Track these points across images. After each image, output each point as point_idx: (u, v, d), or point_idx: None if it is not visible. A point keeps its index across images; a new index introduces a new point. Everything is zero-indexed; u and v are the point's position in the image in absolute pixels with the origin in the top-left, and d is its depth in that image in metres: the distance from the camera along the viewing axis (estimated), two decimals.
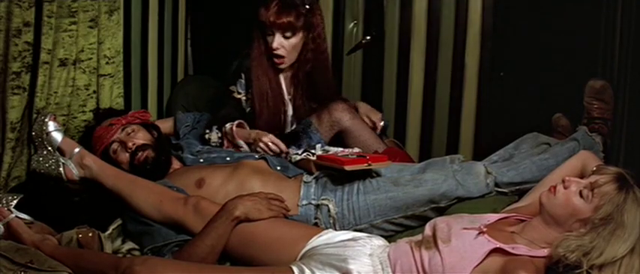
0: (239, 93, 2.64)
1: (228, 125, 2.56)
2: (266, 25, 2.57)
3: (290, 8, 2.56)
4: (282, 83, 2.72)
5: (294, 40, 2.60)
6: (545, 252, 1.80)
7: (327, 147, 2.54)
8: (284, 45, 2.60)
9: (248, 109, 2.65)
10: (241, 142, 2.54)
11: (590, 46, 2.84)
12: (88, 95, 2.54)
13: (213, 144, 2.59)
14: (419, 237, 1.95)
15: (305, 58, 2.67)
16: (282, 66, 2.66)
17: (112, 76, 2.62)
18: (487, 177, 2.24)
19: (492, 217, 1.97)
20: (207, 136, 2.60)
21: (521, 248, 1.81)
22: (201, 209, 2.12)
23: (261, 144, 2.48)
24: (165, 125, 2.77)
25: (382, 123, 2.86)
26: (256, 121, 2.63)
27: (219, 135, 2.58)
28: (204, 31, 3.46)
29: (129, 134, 2.42)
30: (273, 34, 2.58)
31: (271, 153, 2.48)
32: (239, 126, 2.56)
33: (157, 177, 2.36)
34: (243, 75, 2.63)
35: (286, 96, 2.74)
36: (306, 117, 2.72)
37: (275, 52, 2.59)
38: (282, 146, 2.49)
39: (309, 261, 1.89)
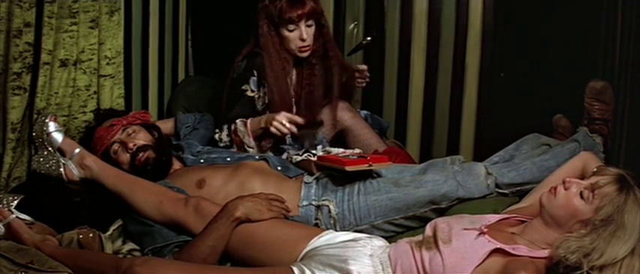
0: (252, 92, 2.63)
1: (238, 122, 2.55)
2: (287, 20, 2.57)
3: None
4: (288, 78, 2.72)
5: (312, 28, 2.63)
6: (545, 253, 1.80)
7: (328, 148, 2.54)
8: (309, 34, 2.62)
9: (261, 107, 2.64)
10: (252, 142, 2.54)
11: (590, 46, 2.84)
12: (89, 96, 2.54)
13: (223, 145, 2.58)
14: (419, 238, 1.95)
15: (315, 46, 2.68)
16: (306, 54, 2.66)
17: (112, 77, 2.62)
18: (488, 178, 2.24)
19: (493, 218, 1.97)
20: (217, 136, 2.60)
21: (521, 249, 1.81)
22: (202, 209, 2.12)
23: (275, 124, 2.46)
24: (166, 126, 2.77)
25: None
26: None
27: (228, 133, 2.58)
28: (204, 32, 3.47)
29: (129, 135, 2.42)
30: (298, 27, 2.59)
31: (286, 133, 2.47)
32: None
33: (157, 177, 2.36)
34: (255, 73, 2.62)
35: (291, 93, 2.74)
36: (305, 111, 2.72)
37: (305, 42, 2.61)
38: (298, 119, 2.49)
39: (309, 262, 1.89)
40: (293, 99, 2.73)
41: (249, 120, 2.56)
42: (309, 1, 2.59)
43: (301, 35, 2.60)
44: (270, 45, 2.61)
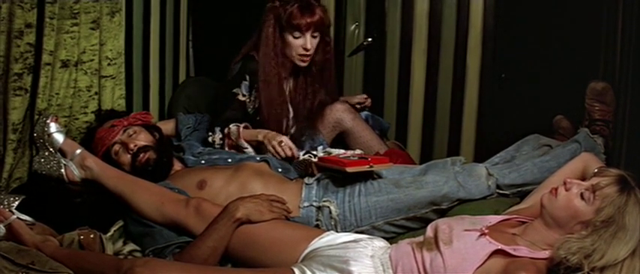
0: (243, 96, 2.62)
1: (232, 126, 2.56)
2: (295, 27, 2.56)
3: (314, 7, 2.58)
4: (285, 85, 2.72)
5: (317, 39, 2.63)
6: (546, 254, 1.80)
7: (328, 149, 2.54)
8: (313, 44, 2.61)
9: (251, 111, 2.65)
10: (245, 144, 2.54)
11: (591, 47, 2.84)
12: (90, 96, 2.54)
13: (217, 146, 2.59)
14: (420, 239, 1.95)
15: (316, 58, 2.68)
16: (306, 63, 2.66)
17: (113, 78, 2.62)
18: (488, 179, 2.24)
19: (494, 219, 1.97)
20: (210, 138, 2.60)
21: (522, 250, 1.81)
22: (203, 210, 2.12)
23: (274, 144, 2.46)
24: (167, 126, 2.77)
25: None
26: (264, 124, 2.62)
27: (221, 136, 2.58)
28: (205, 33, 3.47)
29: (130, 135, 2.42)
30: (303, 35, 2.58)
31: (282, 156, 2.46)
32: (245, 128, 2.56)
33: (158, 178, 2.36)
34: (247, 77, 2.62)
35: (288, 98, 2.73)
36: (304, 119, 2.72)
37: (308, 52, 2.60)
38: (295, 150, 2.48)
39: (310, 263, 1.89)
40: (288, 107, 2.72)
41: (242, 130, 2.55)
42: (319, 12, 2.59)
43: (305, 44, 2.59)
44: (271, 47, 2.60)
